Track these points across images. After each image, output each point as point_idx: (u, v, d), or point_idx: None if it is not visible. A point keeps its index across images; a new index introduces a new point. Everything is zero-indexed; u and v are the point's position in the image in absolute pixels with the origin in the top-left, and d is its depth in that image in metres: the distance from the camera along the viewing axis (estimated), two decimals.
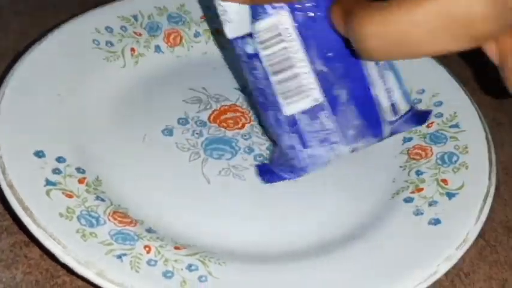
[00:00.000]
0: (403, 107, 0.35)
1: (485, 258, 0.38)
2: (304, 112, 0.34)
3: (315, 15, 0.32)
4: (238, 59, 0.35)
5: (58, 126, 0.39)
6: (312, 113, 0.33)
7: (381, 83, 0.34)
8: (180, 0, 0.48)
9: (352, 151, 0.35)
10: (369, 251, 0.35)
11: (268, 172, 0.38)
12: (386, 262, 0.34)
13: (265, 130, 0.41)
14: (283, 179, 0.37)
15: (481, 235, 0.35)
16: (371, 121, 0.34)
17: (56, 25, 0.44)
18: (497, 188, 0.37)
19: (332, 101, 0.33)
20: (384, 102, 0.34)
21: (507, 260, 0.38)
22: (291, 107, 0.34)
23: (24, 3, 0.51)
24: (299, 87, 0.33)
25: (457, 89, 0.43)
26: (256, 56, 0.33)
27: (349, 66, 0.33)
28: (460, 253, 0.34)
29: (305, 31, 0.32)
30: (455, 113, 0.42)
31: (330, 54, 0.32)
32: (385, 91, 0.34)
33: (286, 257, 0.35)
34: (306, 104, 0.33)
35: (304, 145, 0.35)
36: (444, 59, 0.44)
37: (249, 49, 0.33)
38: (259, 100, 0.35)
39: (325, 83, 0.33)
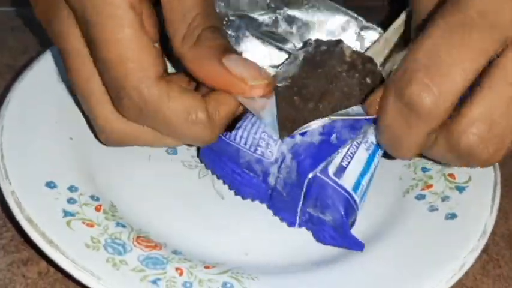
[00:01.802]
0: None
1: (488, 272, 0.38)
2: None
3: None
4: None
5: (62, 155, 0.38)
6: None
7: None
8: None
9: None
10: (392, 251, 0.36)
11: None
12: (413, 261, 0.35)
13: None
14: None
15: (484, 249, 0.35)
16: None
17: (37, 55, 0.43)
18: (499, 201, 0.37)
19: None
20: None
21: (510, 274, 0.38)
22: None
23: (22, 18, 0.50)
24: None
25: None
26: None
27: None
28: (482, 244, 0.35)
29: None
30: None
31: None
32: None
33: (311, 264, 0.36)
34: None
35: None
36: None
37: None
38: None
39: None
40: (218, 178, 0.39)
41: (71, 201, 0.35)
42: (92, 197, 0.36)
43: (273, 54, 0.43)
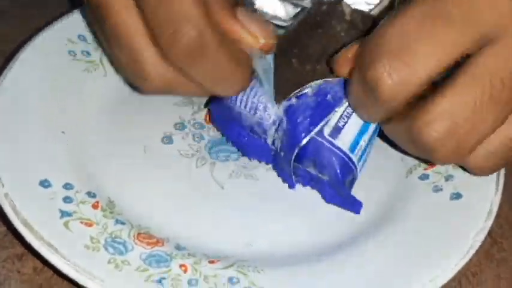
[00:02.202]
0: None
1: (493, 256, 0.37)
2: None
3: None
4: None
5: (54, 151, 0.37)
6: None
7: None
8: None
9: None
10: (399, 235, 0.35)
11: None
12: (421, 244, 0.34)
13: None
14: None
15: (488, 233, 0.34)
16: None
17: (25, 40, 0.42)
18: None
19: None
20: None
21: None
22: None
23: (8, 4, 0.49)
24: None
25: None
26: None
27: None
28: (489, 224, 0.35)
29: None
30: None
31: None
32: None
33: (316, 253, 0.35)
34: None
35: None
36: None
37: None
38: None
39: None
40: (228, 141, 0.39)
41: (67, 200, 0.34)
42: (88, 193, 0.35)
43: (289, 10, 0.41)
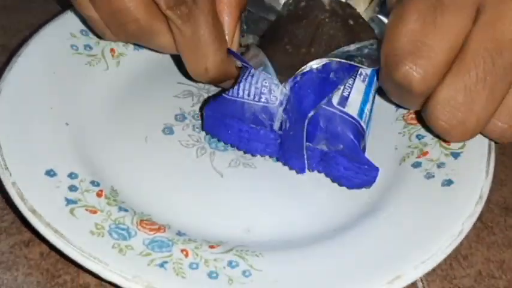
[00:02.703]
0: None
1: (483, 240, 0.38)
2: None
3: None
4: None
5: (59, 141, 0.38)
6: None
7: None
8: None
9: None
10: (393, 219, 0.36)
11: None
12: (412, 228, 0.35)
13: None
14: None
15: (478, 217, 0.35)
16: None
17: (29, 34, 0.43)
18: (493, 168, 0.38)
19: None
20: None
21: (505, 241, 0.38)
22: None
23: None
24: None
25: None
26: None
27: None
28: (479, 209, 0.36)
29: None
30: None
31: None
32: None
33: (314, 237, 0.36)
34: None
35: None
36: None
37: None
38: None
39: None
40: (226, 143, 0.40)
41: (72, 188, 0.35)
42: (92, 182, 0.36)
43: None
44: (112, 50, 0.44)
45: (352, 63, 0.37)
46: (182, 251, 0.34)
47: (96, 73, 0.43)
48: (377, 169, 0.37)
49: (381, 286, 0.32)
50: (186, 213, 0.37)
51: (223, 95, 0.38)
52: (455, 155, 0.39)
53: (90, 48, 0.43)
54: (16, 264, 0.35)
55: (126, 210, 0.35)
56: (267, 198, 0.38)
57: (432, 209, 0.36)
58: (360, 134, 0.37)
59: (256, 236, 0.36)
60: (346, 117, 0.36)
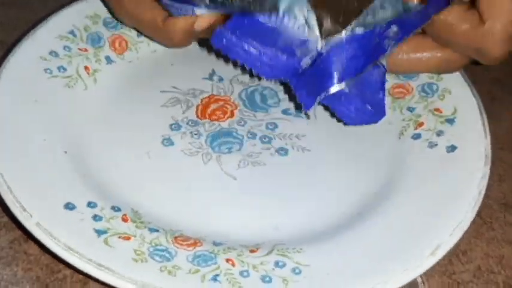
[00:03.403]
0: None
1: (482, 235, 0.39)
2: None
3: None
4: None
5: (64, 172, 0.36)
6: None
7: None
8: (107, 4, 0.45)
9: None
10: (414, 194, 0.37)
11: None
12: (435, 198, 0.37)
13: None
14: None
15: (477, 212, 0.35)
16: None
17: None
18: (492, 164, 0.38)
19: None
20: None
21: (504, 237, 0.39)
22: None
23: None
24: None
25: None
26: None
27: None
28: (488, 169, 0.38)
29: None
30: None
31: None
32: None
33: (342, 223, 0.37)
34: None
35: None
36: None
37: None
38: None
39: None
40: (234, 64, 0.39)
41: (96, 218, 0.34)
42: (113, 208, 0.35)
43: None
44: (86, 68, 0.42)
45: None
46: (227, 260, 0.33)
47: (77, 94, 0.41)
48: (384, 114, 0.38)
49: (425, 258, 0.33)
50: (214, 221, 0.36)
51: (258, 18, 0.35)
52: (450, 121, 0.41)
53: (64, 69, 0.41)
54: (16, 260, 0.35)
55: (157, 231, 0.34)
56: (285, 193, 0.38)
57: (446, 177, 0.38)
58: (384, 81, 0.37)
59: (287, 232, 0.36)
60: (380, 65, 0.37)
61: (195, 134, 0.41)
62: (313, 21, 0.35)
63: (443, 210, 0.36)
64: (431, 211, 0.36)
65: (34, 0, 0.49)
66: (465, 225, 0.35)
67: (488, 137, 0.39)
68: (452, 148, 0.39)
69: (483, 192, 0.37)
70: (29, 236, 0.33)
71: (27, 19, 0.46)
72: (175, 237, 0.34)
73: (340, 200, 0.38)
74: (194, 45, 0.45)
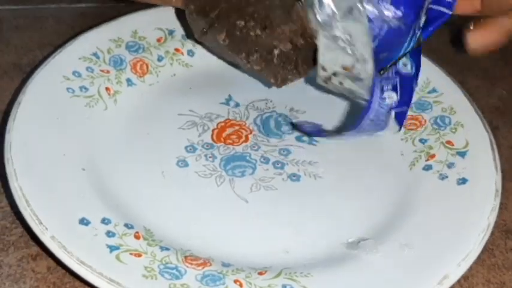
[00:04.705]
0: None
1: (483, 262, 0.39)
2: None
3: None
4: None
5: (81, 188, 0.37)
6: None
7: None
8: (130, 27, 0.47)
9: None
10: (423, 224, 0.38)
11: None
12: (444, 229, 0.37)
13: None
14: None
15: None
16: None
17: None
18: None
19: None
20: None
21: (505, 263, 0.39)
22: None
23: (24, 17, 0.51)
24: None
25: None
26: None
27: None
28: (498, 202, 0.38)
29: None
30: (427, 79, 0.46)
31: None
32: None
33: (352, 250, 0.37)
34: None
35: None
36: None
37: None
38: None
39: None
40: None
41: (109, 234, 0.35)
42: (126, 225, 0.36)
43: None
44: (107, 89, 0.43)
45: None
46: (235, 281, 0.34)
47: (97, 114, 0.42)
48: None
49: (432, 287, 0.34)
50: (224, 242, 0.37)
51: None
52: (462, 154, 0.41)
53: (86, 89, 0.43)
54: (23, 277, 0.35)
55: (168, 249, 0.35)
56: (296, 217, 0.39)
57: (455, 208, 0.38)
58: None
59: (296, 256, 0.37)
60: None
61: (210, 157, 0.41)
62: None
63: (452, 241, 0.36)
64: (439, 242, 0.36)
65: (47, 25, 0.50)
66: (473, 256, 0.35)
67: (499, 171, 0.40)
68: (463, 181, 0.40)
69: (492, 225, 0.37)
70: (45, 249, 0.34)
71: (40, 42, 0.48)
72: (186, 257, 0.35)
73: (349, 228, 0.38)
74: (212, 70, 0.46)
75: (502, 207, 0.41)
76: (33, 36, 0.49)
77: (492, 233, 0.39)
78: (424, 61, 0.47)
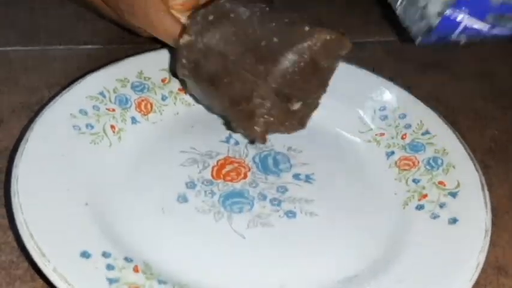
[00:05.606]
0: None
1: None
2: None
3: None
4: None
5: (84, 222, 0.38)
6: None
7: None
8: (136, 68, 0.49)
9: None
10: (413, 261, 0.39)
11: None
12: (433, 268, 0.38)
13: None
14: None
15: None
16: None
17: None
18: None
19: None
20: None
21: None
22: None
23: (33, 58, 0.52)
24: None
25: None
26: None
27: None
28: (487, 242, 0.39)
29: None
30: (421, 121, 0.47)
31: None
32: None
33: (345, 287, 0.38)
34: None
35: None
36: None
37: None
38: None
39: None
40: None
41: (109, 267, 0.36)
42: (125, 259, 0.37)
43: None
44: (112, 127, 0.45)
45: None
46: None
47: (101, 150, 0.44)
48: None
49: None
50: (220, 278, 0.38)
51: None
52: (453, 195, 0.43)
53: (92, 127, 0.44)
54: None
55: (165, 283, 0.36)
56: (292, 254, 0.40)
57: (445, 247, 0.39)
58: None
59: None
60: None
61: (209, 193, 0.43)
62: None
63: (442, 280, 0.37)
64: (430, 280, 0.37)
65: (55, 65, 0.52)
66: None
67: (489, 211, 0.41)
68: (454, 220, 0.41)
69: (482, 264, 0.38)
70: (49, 283, 0.35)
71: (48, 82, 0.50)
72: None
73: (343, 266, 0.40)
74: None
75: (494, 244, 0.42)
76: (41, 76, 0.51)
77: (485, 270, 0.40)
78: (418, 104, 0.49)
